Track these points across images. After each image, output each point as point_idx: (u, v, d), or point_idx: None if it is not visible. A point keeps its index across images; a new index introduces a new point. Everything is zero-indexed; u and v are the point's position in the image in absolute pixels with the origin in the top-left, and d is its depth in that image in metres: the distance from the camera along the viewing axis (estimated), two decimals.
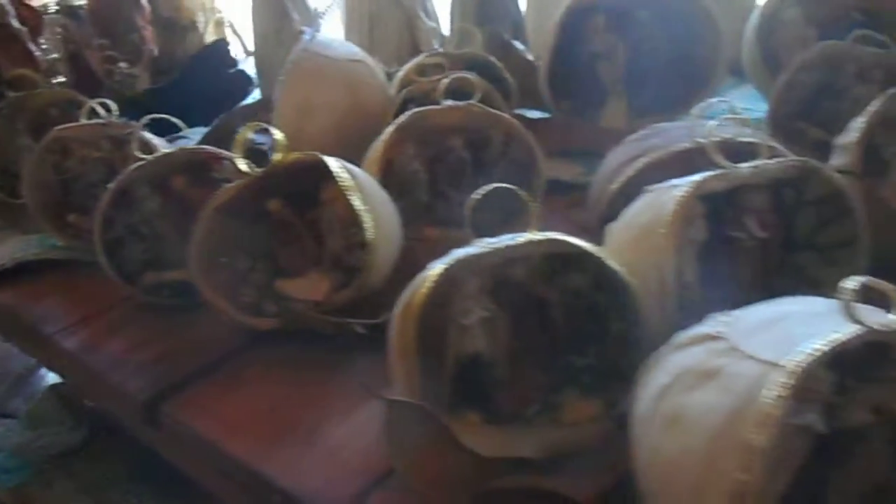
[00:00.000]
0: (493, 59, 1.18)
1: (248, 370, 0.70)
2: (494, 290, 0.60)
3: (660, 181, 0.65)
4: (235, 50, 1.46)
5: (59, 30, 1.40)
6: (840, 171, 0.76)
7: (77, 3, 1.49)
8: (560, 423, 0.56)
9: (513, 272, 0.58)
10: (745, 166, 0.62)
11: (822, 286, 0.68)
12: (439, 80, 0.91)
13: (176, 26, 1.57)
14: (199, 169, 0.83)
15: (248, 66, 1.47)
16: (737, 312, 0.44)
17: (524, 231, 0.56)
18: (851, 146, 0.76)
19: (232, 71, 1.44)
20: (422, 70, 1.09)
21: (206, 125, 1.17)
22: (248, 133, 0.73)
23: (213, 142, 0.92)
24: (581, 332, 0.60)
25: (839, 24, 1.05)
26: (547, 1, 1.31)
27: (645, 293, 0.60)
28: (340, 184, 0.69)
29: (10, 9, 1.35)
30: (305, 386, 0.66)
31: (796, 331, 0.38)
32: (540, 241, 0.56)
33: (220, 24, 1.61)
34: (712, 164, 0.63)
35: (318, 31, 1.08)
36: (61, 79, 1.39)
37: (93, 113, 0.94)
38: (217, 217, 0.73)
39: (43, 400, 1.37)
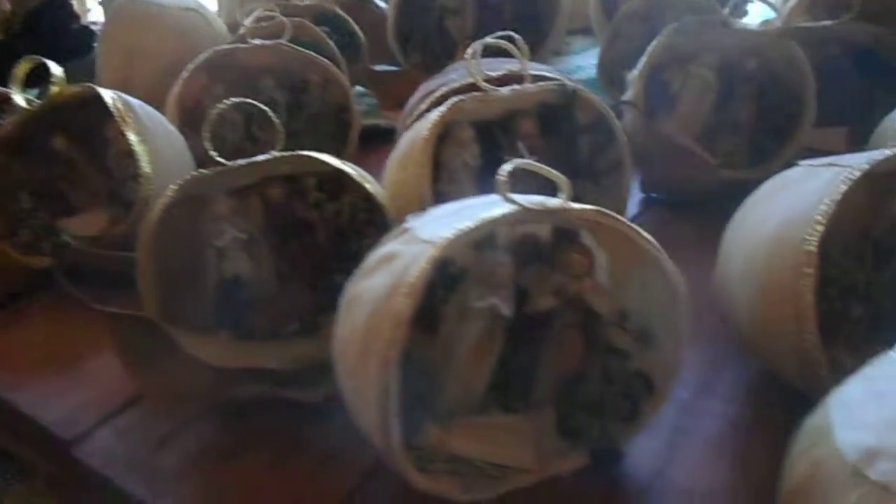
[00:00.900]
0: (341, 12, 1.17)
1: (26, 310, 0.68)
2: (265, 212, 0.60)
3: None
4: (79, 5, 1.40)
5: None
6: (623, 103, 0.79)
7: None
8: (318, 339, 0.57)
9: (271, 193, 0.59)
10: (504, 90, 0.64)
11: None
12: (267, 24, 0.90)
13: None
14: None
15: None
16: (434, 208, 0.45)
17: None
18: (635, 80, 0.79)
19: (76, 27, 1.39)
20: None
21: None
22: (26, 67, 0.71)
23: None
24: (344, 253, 0.60)
25: None
26: None
27: (406, 212, 0.61)
28: (115, 116, 0.67)
29: None
30: (72, 323, 0.64)
31: (463, 214, 0.40)
32: (287, 158, 0.56)
33: None
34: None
35: None
36: None
37: None
38: None
39: None
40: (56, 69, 0.71)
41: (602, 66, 1.10)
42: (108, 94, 0.69)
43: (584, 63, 1.30)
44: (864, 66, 0.85)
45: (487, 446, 0.45)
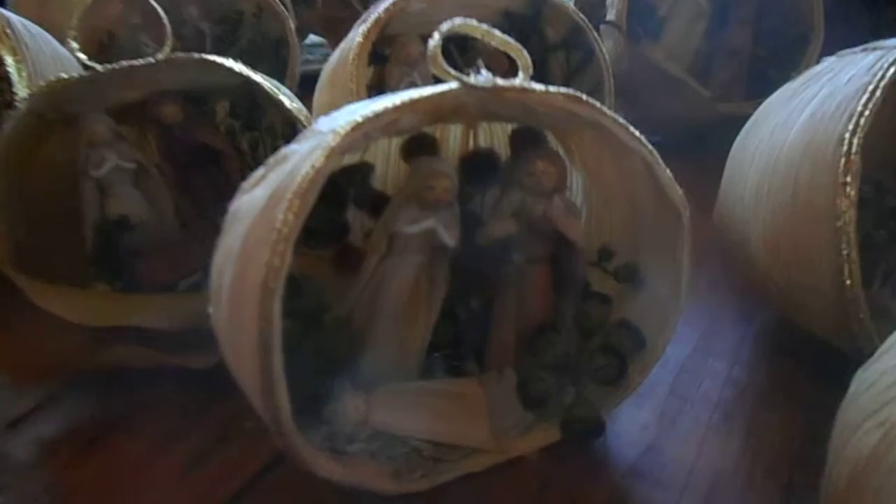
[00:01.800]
0: None
1: None
2: (160, 138, 0.49)
3: None
4: None
5: None
6: (604, 24, 0.68)
7: None
8: None
9: (165, 112, 0.47)
10: None
11: None
12: None
13: None
14: None
15: None
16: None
17: None
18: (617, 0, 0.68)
19: None
20: None
21: None
22: None
23: None
24: None
25: None
26: None
27: None
28: None
29: None
30: None
31: (387, 99, 0.29)
32: (179, 63, 0.44)
33: None
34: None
35: None
36: None
37: None
38: None
39: None
40: None
41: None
42: None
43: None
44: None
45: (428, 420, 0.34)
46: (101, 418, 0.40)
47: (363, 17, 0.69)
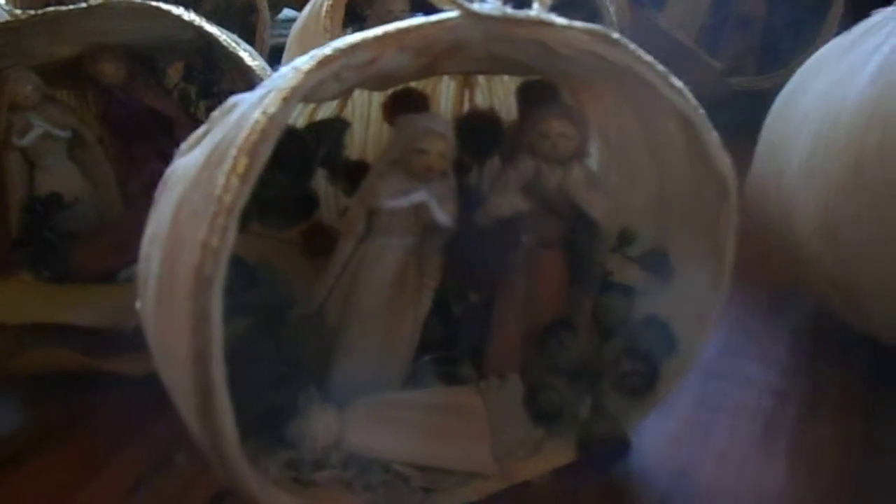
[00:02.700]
0: None
1: None
2: (100, 101, 0.41)
3: None
4: None
5: None
6: None
7: None
8: None
9: (104, 69, 0.40)
10: None
11: None
12: None
13: None
14: None
15: None
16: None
17: None
18: None
19: None
20: None
21: None
22: None
23: None
24: None
25: None
26: None
27: None
28: None
29: None
30: None
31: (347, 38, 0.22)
32: (117, 7, 0.37)
33: None
34: None
35: None
36: None
37: None
38: None
39: None
40: None
41: None
42: None
43: None
44: None
45: (415, 440, 0.28)
46: (20, 436, 0.34)
47: None
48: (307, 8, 0.45)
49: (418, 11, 0.49)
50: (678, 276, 0.31)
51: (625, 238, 0.32)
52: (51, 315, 0.34)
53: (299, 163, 0.24)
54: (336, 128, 0.27)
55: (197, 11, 0.70)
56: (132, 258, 0.40)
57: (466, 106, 0.32)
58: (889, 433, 0.21)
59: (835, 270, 0.32)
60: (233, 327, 0.25)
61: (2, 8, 0.37)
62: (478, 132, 0.30)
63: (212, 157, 0.20)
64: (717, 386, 0.35)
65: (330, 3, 0.41)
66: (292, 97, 0.19)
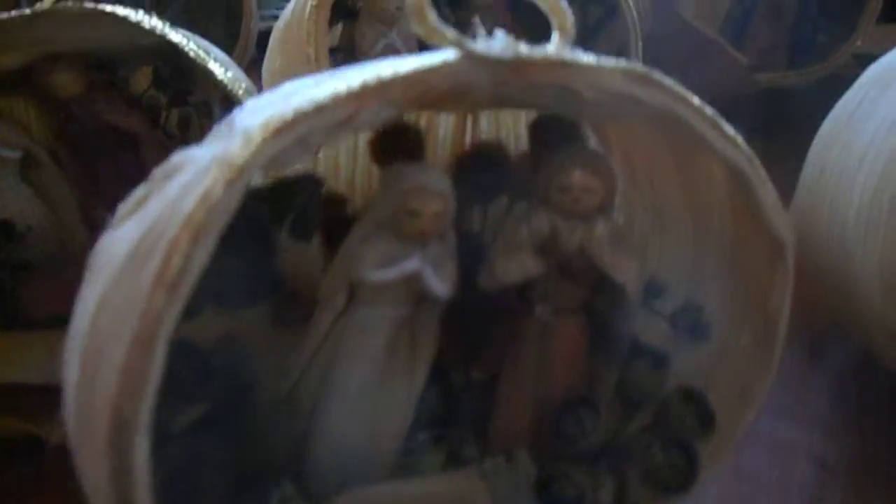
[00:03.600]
0: None
1: None
2: (55, 116, 0.37)
3: None
4: None
5: None
6: None
7: None
8: None
9: (59, 81, 0.35)
10: None
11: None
12: None
13: None
14: None
15: None
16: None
17: None
18: None
19: None
20: None
21: None
22: None
23: None
24: None
25: None
26: None
27: None
28: None
29: None
30: None
31: (345, 77, 0.18)
32: (72, 13, 0.32)
33: None
34: None
35: None
36: None
37: None
38: None
39: None
40: None
41: None
42: None
43: None
44: None
45: None
46: None
47: None
48: (291, 3, 0.40)
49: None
50: (716, 338, 0.26)
51: (652, 289, 0.28)
52: None
53: (258, 240, 0.20)
54: (306, 189, 0.22)
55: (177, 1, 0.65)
56: None
57: (468, 137, 0.28)
58: None
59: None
60: (186, 417, 0.21)
61: None
62: (482, 171, 0.25)
63: (141, 244, 0.16)
64: (754, 455, 0.31)
65: (314, 2, 0.36)
66: (239, 178, 0.15)
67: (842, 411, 0.33)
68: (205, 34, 0.64)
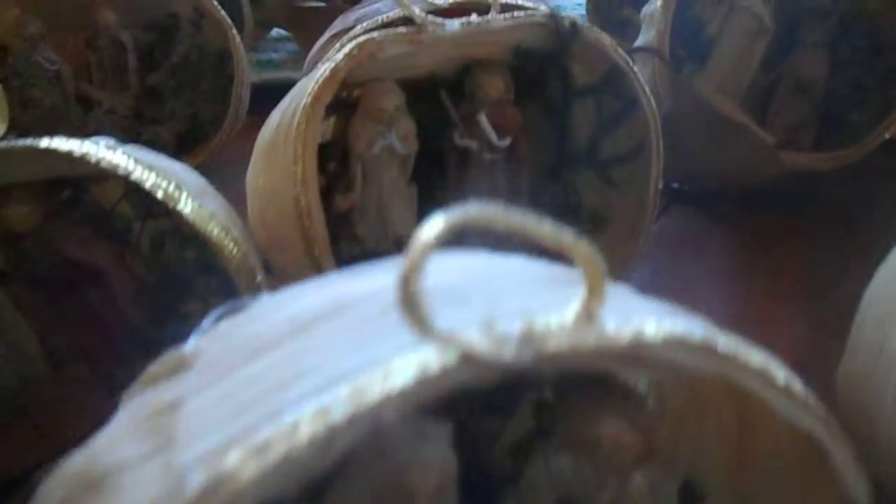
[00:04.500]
0: None
1: None
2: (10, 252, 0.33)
3: None
4: None
5: None
6: (638, 51, 0.53)
7: None
8: None
9: (12, 215, 0.31)
10: (453, 24, 0.36)
11: (604, 221, 0.46)
12: None
13: None
14: None
15: None
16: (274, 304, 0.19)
17: None
18: (656, 17, 0.52)
19: None
20: None
21: None
22: None
23: None
24: (166, 314, 0.34)
25: None
26: None
27: (276, 247, 0.35)
28: None
29: None
30: None
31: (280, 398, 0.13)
32: (17, 153, 0.28)
33: None
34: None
35: None
36: None
37: None
38: None
39: None
40: None
41: (594, 1, 0.83)
42: None
43: (565, 1, 1.02)
44: None
45: None
46: None
47: (337, 28, 0.54)
48: (277, 114, 0.36)
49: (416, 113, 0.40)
50: None
51: (690, 494, 0.24)
52: None
53: None
54: None
55: (164, 63, 0.62)
56: (55, 452, 0.33)
57: None
58: None
59: None
60: None
61: None
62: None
63: None
64: None
65: (302, 119, 0.32)
66: None
67: None
68: (193, 99, 0.62)
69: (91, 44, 0.59)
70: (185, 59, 0.60)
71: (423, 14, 0.35)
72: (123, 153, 0.28)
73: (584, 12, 0.89)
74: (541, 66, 0.42)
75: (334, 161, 0.39)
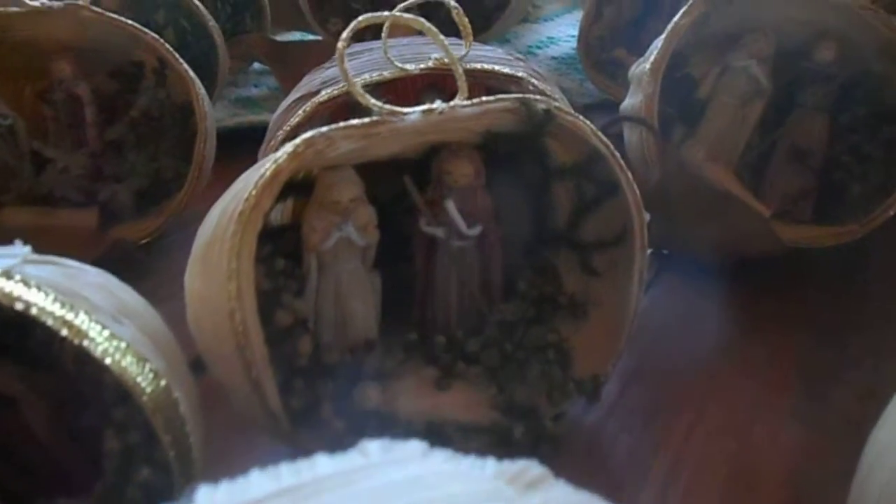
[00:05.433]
0: None
1: None
2: None
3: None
4: None
5: None
6: (622, 121, 0.49)
7: None
8: None
9: None
10: (413, 115, 0.33)
11: (585, 308, 0.42)
12: None
13: None
14: None
15: None
16: None
17: None
18: (645, 78, 0.49)
19: None
20: None
21: None
22: None
23: None
24: None
25: None
26: None
27: (215, 357, 0.31)
28: None
29: None
30: None
31: None
32: None
33: None
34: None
35: None
36: None
37: None
38: None
39: None
40: None
41: (585, 39, 0.80)
42: None
43: (558, 34, 0.99)
44: None
45: None
46: None
47: (301, 91, 0.50)
48: (216, 211, 0.32)
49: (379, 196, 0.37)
50: None
51: None
52: None
53: None
54: None
55: (124, 117, 0.58)
56: None
57: None
58: None
59: None
60: None
61: None
62: None
63: None
64: None
65: (241, 219, 0.29)
66: None
67: None
68: (155, 154, 0.58)
69: (46, 98, 0.55)
70: (146, 112, 0.57)
71: (379, 104, 0.32)
72: (30, 283, 0.25)
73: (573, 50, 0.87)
74: (515, 148, 0.38)
75: (284, 256, 0.35)
